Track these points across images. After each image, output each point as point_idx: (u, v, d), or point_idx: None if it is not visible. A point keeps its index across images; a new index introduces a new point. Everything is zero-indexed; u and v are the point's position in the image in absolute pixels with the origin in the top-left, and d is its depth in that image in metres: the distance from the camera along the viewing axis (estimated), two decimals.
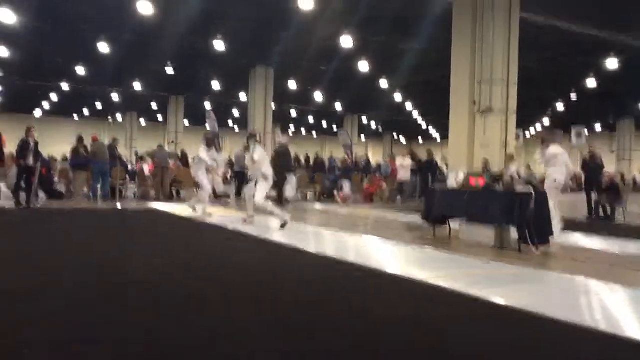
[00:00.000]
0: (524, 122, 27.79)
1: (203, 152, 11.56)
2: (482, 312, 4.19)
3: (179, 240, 8.11)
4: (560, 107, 28.92)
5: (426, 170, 17.78)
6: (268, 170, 9.70)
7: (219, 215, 11.32)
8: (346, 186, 18.04)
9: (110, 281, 4.85)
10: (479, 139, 14.55)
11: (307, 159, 29.77)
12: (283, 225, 9.27)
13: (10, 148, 14.95)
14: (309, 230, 9.76)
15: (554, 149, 9.46)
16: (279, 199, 14.68)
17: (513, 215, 6.95)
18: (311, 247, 7.25)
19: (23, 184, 12.08)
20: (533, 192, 7.04)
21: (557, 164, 9.31)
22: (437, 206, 8.26)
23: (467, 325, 3.79)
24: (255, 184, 9.63)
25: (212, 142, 12.01)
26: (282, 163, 14.65)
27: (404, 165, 17.74)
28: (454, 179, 8.48)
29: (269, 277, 5.32)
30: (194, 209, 11.60)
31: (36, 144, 12.25)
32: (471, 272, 5.87)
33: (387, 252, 7.23)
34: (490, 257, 6.67)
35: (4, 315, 3.68)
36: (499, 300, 4.37)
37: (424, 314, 4.08)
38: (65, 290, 4.45)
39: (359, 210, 13.99)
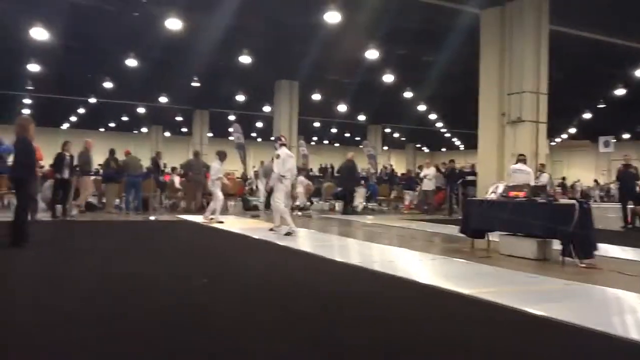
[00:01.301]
0: (550, 131, 27.55)
1: (216, 167, 12.70)
2: (534, 327, 4.15)
3: (216, 252, 8.17)
4: (587, 116, 28.65)
5: (451, 179, 17.61)
6: (285, 173, 10.07)
7: (252, 227, 11.37)
8: (409, 195, 18.58)
9: (163, 301, 4.89)
10: (509, 150, 14.43)
11: (332, 169, 29.82)
12: (289, 234, 9.67)
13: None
14: (339, 242, 9.79)
15: None
16: (345, 209, 16.66)
17: (556, 227, 6.89)
18: (352, 260, 7.24)
19: (59, 197, 12.39)
20: (577, 204, 6.96)
21: None
22: (475, 218, 8.21)
23: (524, 343, 3.76)
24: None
25: (224, 157, 12.91)
26: (349, 176, 17.15)
27: (427, 176, 17.59)
28: (492, 191, 8.41)
29: (320, 293, 5.32)
30: (215, 221, 12.14)
31: (71, 157, 12.52)
32: (518, 286, 5.81)
33: (428, 266, 7.20)
34: (534, 270, 6.61)
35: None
36: (554, 315, 4.31)
37: (477, 331, 4.04)
38: (115, 312, 4.50)
39: (387, 221, 13.93)
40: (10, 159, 10.31)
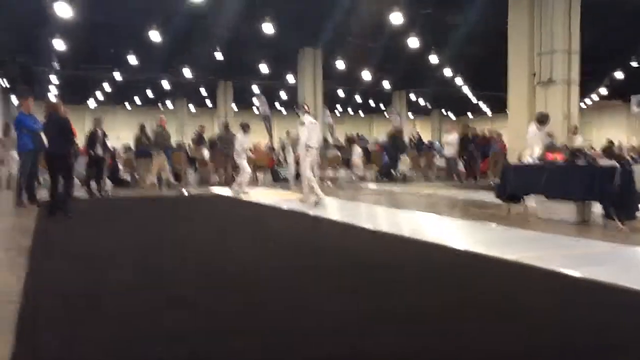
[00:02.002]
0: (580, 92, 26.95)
1: (241, 139, 12.84)
2: (582, 291, 4.12)
3: (254, 225, 8.25)
4: (620, 75, 27.89)
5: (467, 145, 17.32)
6: (311, 141, 9.93)
7: (282, 199, 11.43)
8: (460, 164, 18.14)
9: (213, 271, 4.97)
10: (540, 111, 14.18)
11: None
12: (316, 203, 9.69)
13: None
14: (375, 210, 9.81)
15: None
16: (388, 175, 17.34)
17: (597, 189, 6.78)
18: (393, 229, 7.25)
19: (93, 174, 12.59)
20: (618, 165, 6.83)
21: None
22: (512, 183, 8.12)
23: (577, 308, 3.74)
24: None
25: (247, 129, 13.04)
26: (395, 145, 17.86)
27: (448, 142, 17.30)
28: (529, 154, 8.30)
29: (360, 261, 5.34)
30: (243, 193, 12.29)
31: (104, 134, 12.67)
32: (561, 250, 5.76)
33: (466, 232, 7.18)
34: (575, 234, 6.54)
35: (128, 306, 3.80)
36: (602, 278, 4.27)
37: (525, 297, 4.02)
38: (175, 282, 4.59)
39: (417, 189, 13.88)
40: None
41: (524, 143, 13.31)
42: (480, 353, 2.86)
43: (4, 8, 16.85)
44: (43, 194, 11.38)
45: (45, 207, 8.96)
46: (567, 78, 14.04)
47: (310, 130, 10.10)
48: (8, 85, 29.15)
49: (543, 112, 11.00)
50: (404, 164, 18.18)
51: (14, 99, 30.84)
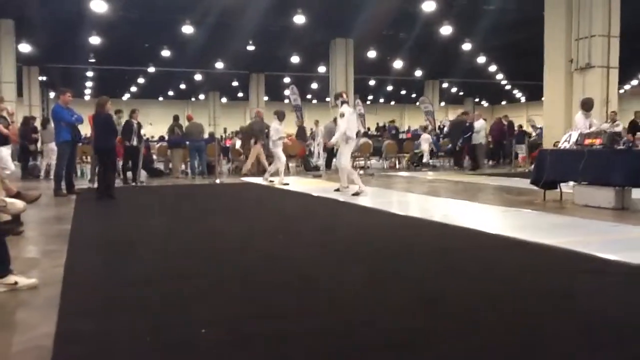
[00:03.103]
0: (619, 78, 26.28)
1: (276, 127, 12.62)
2: (625, 276, 4.04)
3: (285, 211, 8.31)
4: None
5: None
6: (350, 132, 9.82)
7: (315, 187, 11.45)
8: (522, 150, 18.05)
9: (258, 256, 5.03)
10: (577, 98, 13.88)
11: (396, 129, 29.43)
12: (356, 194, 9.45)
13: None
14: (408, 198, 9.76)
15: None
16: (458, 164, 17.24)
17: (637, 174, 6.61)
18: (431, 216, 7.20)
19: (128, 164, 12.85)
20: None
21: None
22: (549, 169, 7.97)
23: (617, 292, 3.67)
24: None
25: (282, 116, 12.90)
26: (457, 132, 17.20)
27: (476, 128, 16.85)
28: (565, 139, 8.13)
29: (401, 248, 5.34)
30: (275, 182, 12.24)
31: (139, 125, 12.88)
32: (601, 236, 5.65)
33: (502, 218, 7.09)
34: (614, 220, 6.40)
35: (168, 294, 3.87)
36: None
37: (569, 281, 3.97)
38: (217, 267, 4.65)
39: (449, 176, 13.74)
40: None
41: (561, 129, 13.16)
42: (523, 336, 2.84)
43: (44, 7, 17.25)
44: (80, 184, 11.72)
45: (87, 195, 9.77)
46: (606, 63, 13.72)
47: (349, 120, 9.90)
48: (45, 79, 29.83)
49: (588, 98, 10.74)
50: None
51: (51, 94, 31.60)
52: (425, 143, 17.97)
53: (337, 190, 10.19)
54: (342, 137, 9.80)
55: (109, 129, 9.78)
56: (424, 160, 17.58)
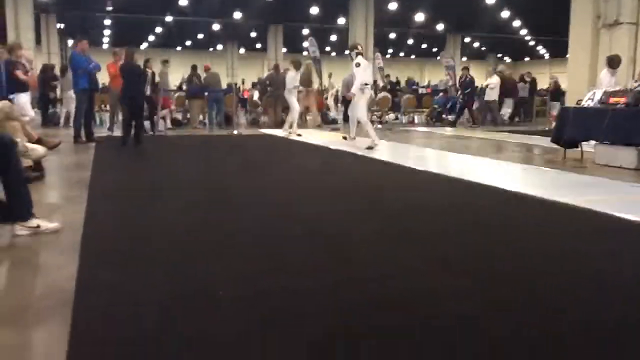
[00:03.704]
0: None
1: (292, 76, 12.68)
2: None
3: (301, 163, 8.32)
4: None
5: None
6: (366, 81, 9.77)
7: (332, 140, 11.41)
8: (556, 108, 17.67)
9: (281, 213, 5.06)
10: (604, 56, 13.51)
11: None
12: (370, 148, 9.35)
13: None
14: (434, 154, 9.71)
15: None
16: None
17: None
18: (448, 172, 7.14)
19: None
20: None
21: None
22: (570, 128, 7.84)
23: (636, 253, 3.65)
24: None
25: (299, 66, 12.95)
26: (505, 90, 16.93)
27: (489, 85, 16.66)
28: (589, 97, 7.97)
29: (416, 204, 5.33)
30: (294, 133, 12.20)
31: (153, 74, 12.83)
32: (622, 195, 5.60)
33: (521, 176, 7.04)
34: (636, 180, 6.32)
35: (181, 253, 3.92)
36: None
37: (586, 240, 3.96)
38: (233, 220, 4.69)
39: (469, 133, 13.60)
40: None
41: (585, 88, 12.87)
42: (533, 294, 2.85)
43: None
44: (99, 132, 11.82)
45: (106, 143, 10.14)
46: (635, 20, 13.28)
47: (365, 70, 9.89)
48: (63, 27, 29.68)
49: (615, 54, 10.45)
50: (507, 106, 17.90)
51: (69, 42, 31.50)
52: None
53: (344, 138, 10.20)
54: (360, 87, 9.74)
55: (135, 79, 10.17)
56: (502, 113, 17.35)
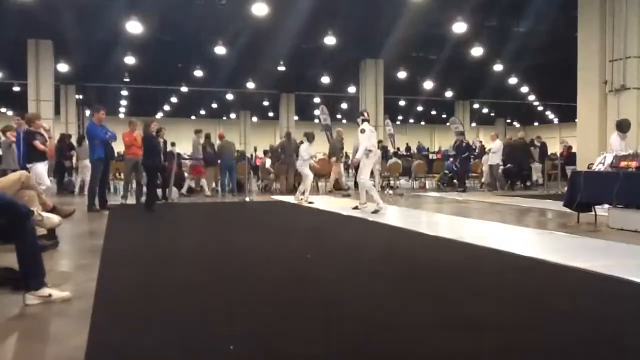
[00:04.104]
0: None
1: (305, 148, 12.91)
2: None
3: (313, 229, 8.31)
4: None
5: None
6: (371, 147, 9.89)
7: (343, 206, 11.43)
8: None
9: (289, 276, 5.04)
10: (612, 120, 13.64)
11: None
12: (376, 212, 9.41)
13: None
14: (435, 218, 9.68)
15: None
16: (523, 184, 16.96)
17: None
18: (461, 237, 7.10)
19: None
20: None
21: None
22: (582, 191, 7.81)
23: None
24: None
25: (312, 138, 13.12)
26: (522, 154, 17.03)
27: (492, 149, 16.68)
28: (600, 161, 7.99)
29: (430, 269, 5.29)
30: (305, 200, 12.22)
31: (165, 143, 13.10)
32: (636, 260, 5.50)
33: (536, 241, 6.98)
34: None
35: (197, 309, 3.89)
36: None
37: (603, 306, 3.88)
38: (245, 284, 4.68)
39: (480, 197, 13.57)
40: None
41: (595, 151, 12.92)
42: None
43: (82, 28, 17.79)
44: (113, 200, 11.95)
45: (120, 211, 10.22)
46: None
47: (369, 137, 10.01)
48: (81, 97, 30.57)
49: (624, 119, 10.56)
50: (537, 171, 18.08)
51: (87, 112, 32.37)
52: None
53: (356, 208, 10.22)
54: (364, 153, 9.86)
55: (150, 148, 10.80)
56: (534, 178, 17.51)
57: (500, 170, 16.47)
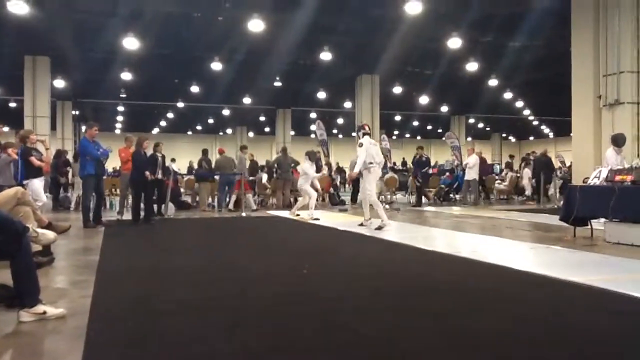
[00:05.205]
0: None
1: (307, 167, 12.72)
2: None
3: (312, 245, 8.29)
4: None
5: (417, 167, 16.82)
6: (372, 161, 9.71)
7: (342, 221, 11.41)
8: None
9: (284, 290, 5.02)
10: (607, 134, 13.71)
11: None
12: (380, 228, 9.28)
13: None
14: (434, 233, 9.67)
15: None
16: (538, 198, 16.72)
17: None
18: (458, 252, 7.10)
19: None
20: None
21: None
22: (578, 205, 7.83)
23: None
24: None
25: (314, 157, 13.11)
26: (545, 169, 16.83)
27: (468, 164, 16.63)
28: (595, 176, 8.02)
29: (427, 285, 5.28)
30: (310, 217, 12.00)
31: (163, 157, 13.08)
32: (634, 274, 5.51)
33: (531, 255, 6.98)
34: None
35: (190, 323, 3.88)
36: None
37: (601, 321, 3.87)
38: (242, 300, 4.65)
39: (477, 212, 13.58)
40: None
41: (590, 165, 12.97)
42: None
43: (79, 45, 17.88)
44: (108, 216, 11.92)
45: (115, 227, 10.26)
46: (636, 99, 13.57)
47: (368, 150, 9.78)
48: (77, 113, 30.56)
49: (619, 133, 10.61)
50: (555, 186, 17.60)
51: (83, 128, 32.38)
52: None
53: (361, 224, 10.08)
54: (364, 167, 9.72)
55: (141, 164, 11.07)
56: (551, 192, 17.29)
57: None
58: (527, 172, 17.67)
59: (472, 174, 16.37)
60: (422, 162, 16.79)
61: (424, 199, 16.62)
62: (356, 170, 9.89)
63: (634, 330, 3.61)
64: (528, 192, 17.60)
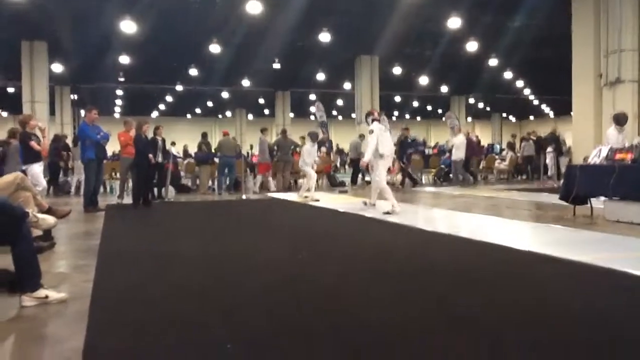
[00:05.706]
0: None
1: (308, 147, 12.81)
2: None
3: (316, 227, 8.31)
4: None
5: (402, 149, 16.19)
6: (384, 148, 9.45)
7: (343, 203, 11.42)
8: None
9: (284, 276, 5.03)
10: (607, 113, 13.67)
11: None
12: (388, 213, 9.02)
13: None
14: (443, 214, 9.68)
15: None
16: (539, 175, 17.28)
17: None
18: (458, 232, 7.09)
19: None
20: None
21: None
22: (578, 184, 7.82)
23: None
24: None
25: (315, 138, 13.09)
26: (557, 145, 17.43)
27: (455, 144, 16.52)
28: (595, 154, 8.00)
29: (428, 265, 5.29)
30: (309, 197, 12.12)
31: (163, 141, 13.03)
32: (634, 252, 5.51)
33: (533, 234, 6.99)
34: None
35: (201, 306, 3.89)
36: None
37: (602, 299, 3.89)
38: (242, 284, 4.66)
39: (477, 192, 13.58)
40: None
41: (590, 144, 12.95)
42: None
43: (76, 29, 17.73)
44: (110, 200, 11.93)
45: (115, 211, 10.19)
46: (637, 78, 13.52)
47: (380, 137, 9.44)
48: (76, 98, 30.46)
49: (621, 112, 10.56)
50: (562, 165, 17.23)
51: (82, 112, 32.27)
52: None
53: (365, 204, 10.12)
54: (375, 154, 9.47)
55: (144, 148, 11.16)
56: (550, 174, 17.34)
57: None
58: (550, 152, 17.51)
59: (458, 154, 16.29)
60: (406, 143, 16.51)
61: (407, 181, 16.35)
62: (366, 159, 9.62)
63: (635, 308, 3.62)
64: (550, 172, 17.45)
